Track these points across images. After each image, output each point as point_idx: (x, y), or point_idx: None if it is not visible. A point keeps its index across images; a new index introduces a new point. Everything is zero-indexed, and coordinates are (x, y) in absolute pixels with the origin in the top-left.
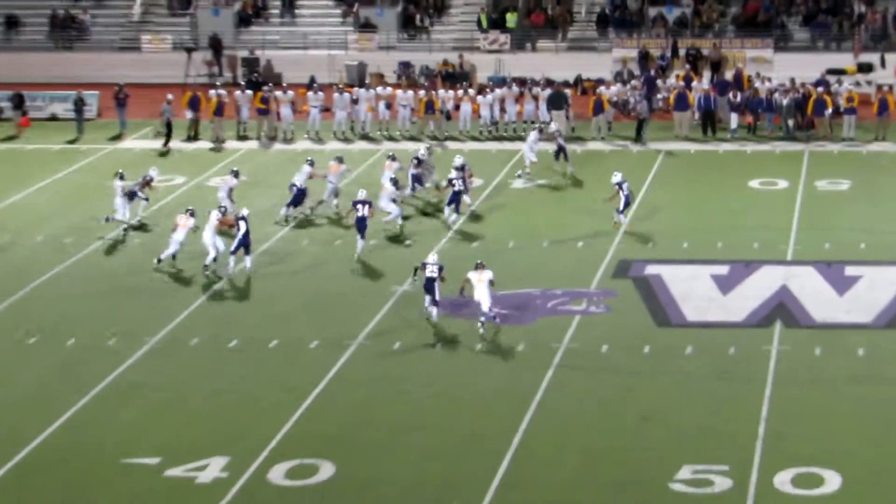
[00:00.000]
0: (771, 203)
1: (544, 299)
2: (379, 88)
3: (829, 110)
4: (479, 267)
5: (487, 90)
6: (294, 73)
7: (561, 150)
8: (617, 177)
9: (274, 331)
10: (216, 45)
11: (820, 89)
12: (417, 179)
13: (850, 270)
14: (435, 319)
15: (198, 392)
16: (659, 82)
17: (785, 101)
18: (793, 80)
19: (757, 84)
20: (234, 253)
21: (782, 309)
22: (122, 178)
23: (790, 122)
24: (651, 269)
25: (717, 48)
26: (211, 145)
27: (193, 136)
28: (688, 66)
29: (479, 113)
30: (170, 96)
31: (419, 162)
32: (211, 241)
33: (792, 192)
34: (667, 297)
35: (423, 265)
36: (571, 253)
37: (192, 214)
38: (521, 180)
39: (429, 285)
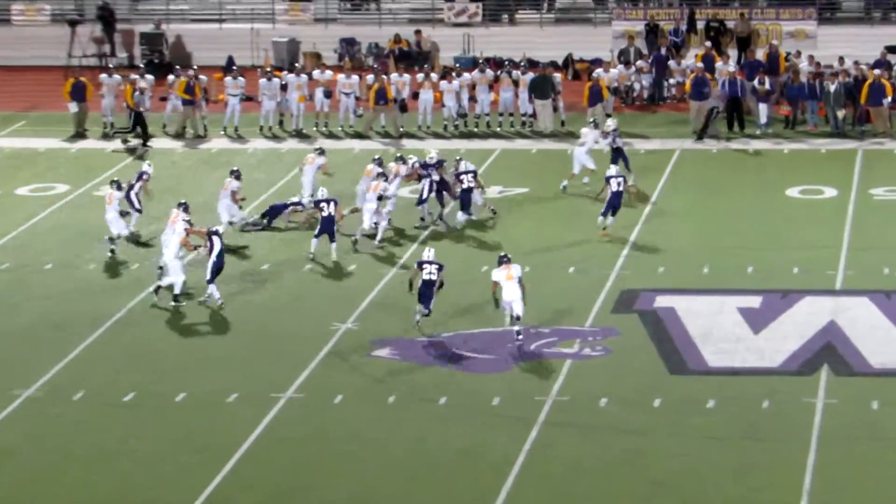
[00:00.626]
0: (815, 216)
1: (526, 339)
2: (315, 72)
3: (889, 98)
4: (504, 262)
5: (453, 74)
6: (208, 52)
7: (619, 153)
8: (611, 170)
9: (184, 380)
10: (107, 16)
11: (877, 72)
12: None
13: None
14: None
15: (82, 458)
16: (671, 64)
17: (832, 87)
18: (842, 61)
19: (800, 65)
20: (211, 281)
21: (830, 351)
22: (119, 187)
23: (839, 114)
24: (662, 301)
25: (746, 20)
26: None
27: (81, 133)
28: (708, 44)
29: (443, 103)
30: (141, 83)
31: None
32: (176, 260)
33: (842, 203)
34: (682, 336)
35: (420, 265)
36: (561, 280)
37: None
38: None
39: (425, 291)
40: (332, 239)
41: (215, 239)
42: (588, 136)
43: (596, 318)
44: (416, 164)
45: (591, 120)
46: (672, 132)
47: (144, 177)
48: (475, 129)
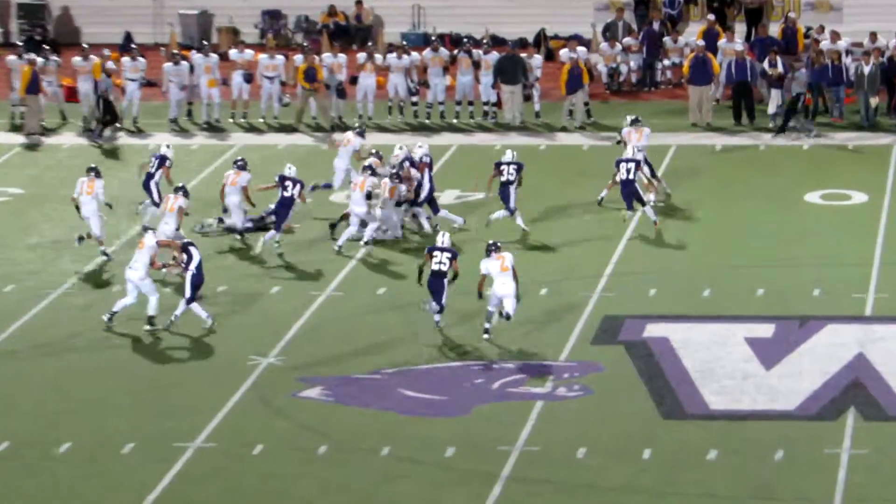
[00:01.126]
0: (841, 227)
1: (487, 377)
2: (232, 52)
3: None
4: (493, 250)
5: (400, 53)
6: (100, 27)
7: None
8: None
9: (69, 426)
10: None
11: None
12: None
13: None
14: (440, 324)
15: None
16: (666, 41)
17: (866, 70)
18: (874, 37)
19: (821, 43)
20: (192, 300)
21: (858, 391)
22: (98, 174)
23: (872, 102)
24: (653, 330)
25: None
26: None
27: None
28: (711, 17)
29: (388, 88)
30: (110, 63)
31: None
32: (144, 280)
33: (873, 211)
34: (678, 372)
35: (430, 252)
36: (532, 304)
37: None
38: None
39: (435, 284)
40: (276, 227)
41: (193, 251)
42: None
43: (573, 351)
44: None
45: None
46: (666, 124)
47: (167, 163)
48: (427, 121)
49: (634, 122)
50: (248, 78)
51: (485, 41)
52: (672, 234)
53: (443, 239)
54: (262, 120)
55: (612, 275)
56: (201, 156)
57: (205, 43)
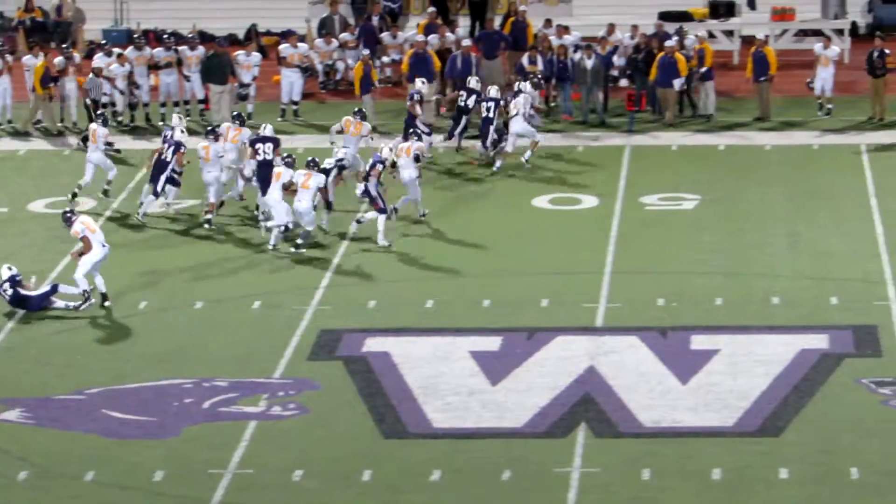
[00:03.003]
0: (570, 232)
1: (198, 396)
2: None
3: (682, 78)
4: (311, 165)
5: (100, 52)
6: None
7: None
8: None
9: None
10: None
11: (671, 43)
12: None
13: (698, 342)
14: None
15: None
16: (385, 37)
17: (588, 64)
18: (612, 29)
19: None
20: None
21: (589, 406)
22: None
23: (600, 98)
24: (373, 344)
25: None
26: None
27: None
28: (432, 10)
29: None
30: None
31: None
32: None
33: (605, 214)
34: (399, 389)
35: (253, 144)
36: (242, 319)
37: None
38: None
39: (263, 174)
40: (263, 192)
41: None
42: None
43: (288, 368)
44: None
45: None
46: (386, 126)
47: (182, 149)
48: (120, 123)
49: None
50: None
51: (192, 36)
52: (394, 243)
53: (265, 128)
54: None
55: (328, 286)
56: None
57: None
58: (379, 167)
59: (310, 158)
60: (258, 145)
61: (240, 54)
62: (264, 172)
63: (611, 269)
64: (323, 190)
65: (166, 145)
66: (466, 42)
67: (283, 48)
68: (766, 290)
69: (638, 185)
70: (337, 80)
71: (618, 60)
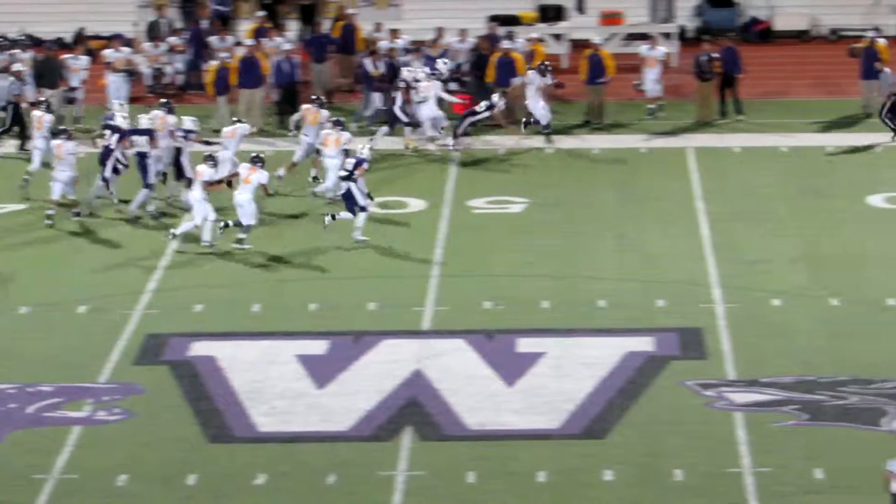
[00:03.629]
0: (397, 235)
1: (22, 401)
2: None
3: (520, 77)
4: (256, 161)
5: None
6: None
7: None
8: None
9: None
10: None
11: (508, 44)
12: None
13: (524, 345)
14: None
15: None
16: (213, 41)
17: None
18: (441, 32)
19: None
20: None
21: (414, 410)
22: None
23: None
24: (199, 349)
25: None
26: None
27: None
28: (262, 14)
29: None
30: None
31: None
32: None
33: (432, 217)
34: (225, 393)
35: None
36: (68, 323)
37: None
38: None
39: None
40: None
41: None
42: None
43: (113, 372)
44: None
45: None
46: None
47: (192, 136)
48: None
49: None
50: None
51: (20, 39)
52: (219, 246)
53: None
54: None
55: (156, 290)
56: None
57: None
58: (365, 166)
59: (254, 154)
60: (134, 137)
61: (68, 58)
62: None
63: (438, 272)
64: (264, 186)
65: (109, 133)
66: (287, 46)
67: (108, 53)
68: (593, 292)
69: (466, 188)
70: (165, 83)
71: (448, 64)
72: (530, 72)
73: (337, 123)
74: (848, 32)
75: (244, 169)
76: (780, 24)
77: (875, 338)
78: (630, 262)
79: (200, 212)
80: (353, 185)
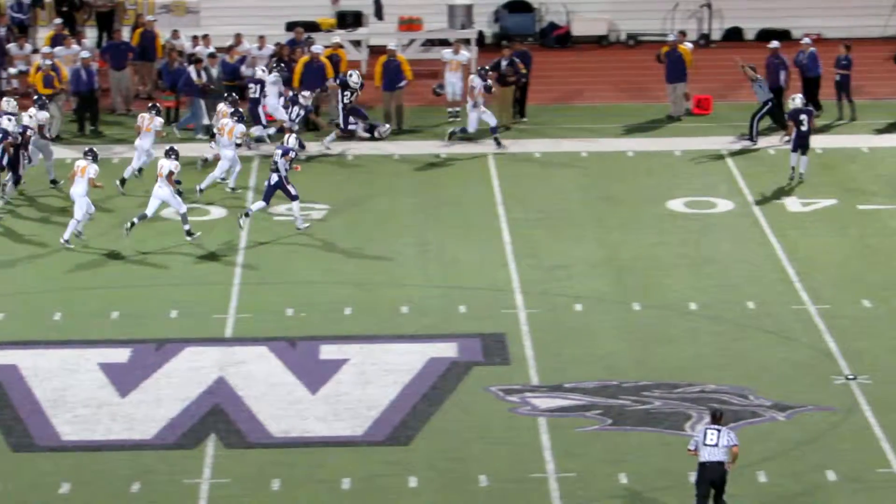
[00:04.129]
0: (200, 242)
1: None
2: None
3: (333, 80)
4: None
5: None
6: None
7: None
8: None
9: None
10: None
11: (318, 49)
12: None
13: (327, 351)
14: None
15: None
16: (12, 48)
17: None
18: (239, 39)
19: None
20: None
21: (218, 417)
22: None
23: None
24: (2, 357)
25: None
26: None
27: None
28: (59, 22)
29: None
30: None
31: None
32: None
33: (234, 224)
34: (28, 402)
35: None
36: None
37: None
38: None
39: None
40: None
41: None
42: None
43: None
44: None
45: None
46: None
47: (9, 138)
48: None
49: None
50: None
51: None
52: (21, 254)
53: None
54: None
55: None
56: None
57: None
58: (291, 154)
59: (88, 148)
60: None
61: None
62: None
63: (240, 279)
64: (92, 180)
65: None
66: (85, 54)
67: None
68: (396, 299)
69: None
70: None
71: (246, 70)
72: (474, 77)
73: (234, 114)
74: (646, 38)
75: (80, 162)
76: (579, 29)
77: (678, 342)
78: (432, 269)
79: (82, 207)
80: (281, 175)
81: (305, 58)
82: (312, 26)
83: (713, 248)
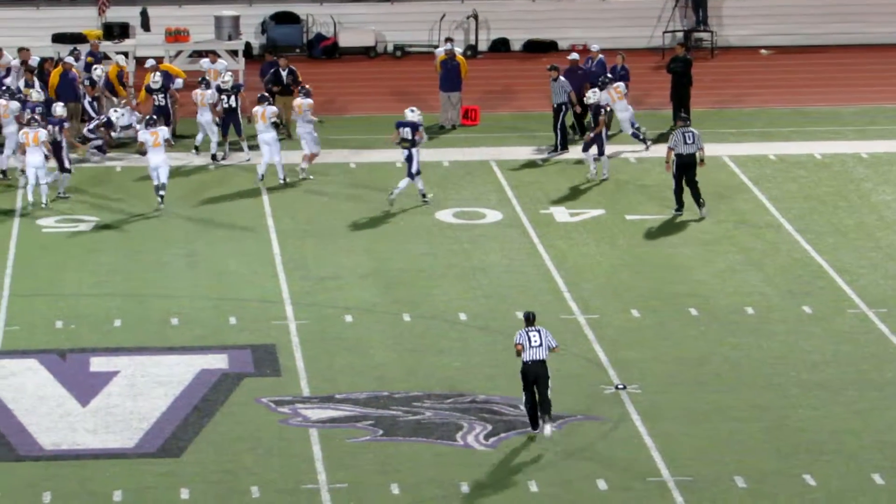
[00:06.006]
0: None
1: None
2: None
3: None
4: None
5: None
6: None
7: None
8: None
9: None
10: None
11: (152, 62)
12: None
13: (97, 364)
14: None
15: None
16: None
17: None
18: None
19: None
20: None
21: None
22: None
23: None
24: None
25: None
26: None
27: None
28: None
29: None
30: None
31: None
32: None
33: (2, 235)
34: None
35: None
36: None
37: None
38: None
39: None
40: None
41: None
42: None
43: None
44: None
45: None
46: None
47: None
48: None
49: None
50: None
51: None
52: None
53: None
54: None
55: None
56: None
57: None
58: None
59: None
60: None
61: None
62: None
63: (8, 292)
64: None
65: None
66: None
67: None
68: (165, 310)
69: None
70: None
71: (8, 80)
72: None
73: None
74: (413, 49)
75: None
76: (346, 40)
77: (448, 352)
78: (202, 280)
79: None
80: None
81: (59, 69)
82: (78, 38)
83: (482, 259)
